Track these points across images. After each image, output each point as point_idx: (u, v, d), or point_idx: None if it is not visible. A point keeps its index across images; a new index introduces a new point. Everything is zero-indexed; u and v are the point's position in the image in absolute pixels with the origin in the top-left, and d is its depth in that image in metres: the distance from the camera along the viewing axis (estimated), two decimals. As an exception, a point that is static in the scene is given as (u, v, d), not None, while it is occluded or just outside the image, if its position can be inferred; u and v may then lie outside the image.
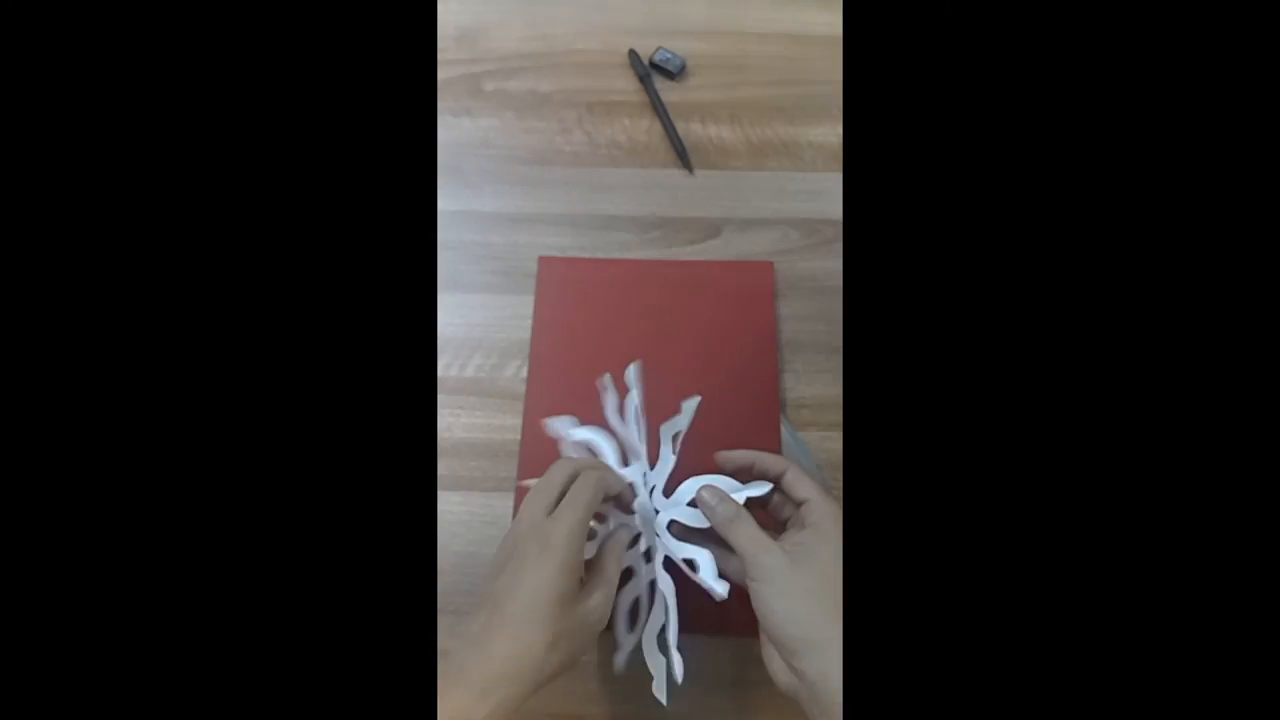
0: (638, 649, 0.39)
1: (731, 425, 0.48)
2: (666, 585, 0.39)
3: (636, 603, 0.40)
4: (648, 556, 0.41)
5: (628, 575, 0.40)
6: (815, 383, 0.51)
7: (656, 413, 0.42)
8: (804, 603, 0.33)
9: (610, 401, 0.43)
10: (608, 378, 0.43)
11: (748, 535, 0.36)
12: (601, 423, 0.44)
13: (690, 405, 0.41)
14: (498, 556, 0.36)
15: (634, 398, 0.42)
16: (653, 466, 0.43)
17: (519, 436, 0.49)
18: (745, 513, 0.37)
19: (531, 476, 0.44)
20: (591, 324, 0.52)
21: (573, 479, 0.37)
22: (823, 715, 0.31)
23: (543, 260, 0.54)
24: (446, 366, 0.51)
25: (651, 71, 0.62)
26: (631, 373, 0.42)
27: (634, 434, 0.42)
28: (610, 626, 0.37)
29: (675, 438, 0.41)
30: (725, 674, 0.43)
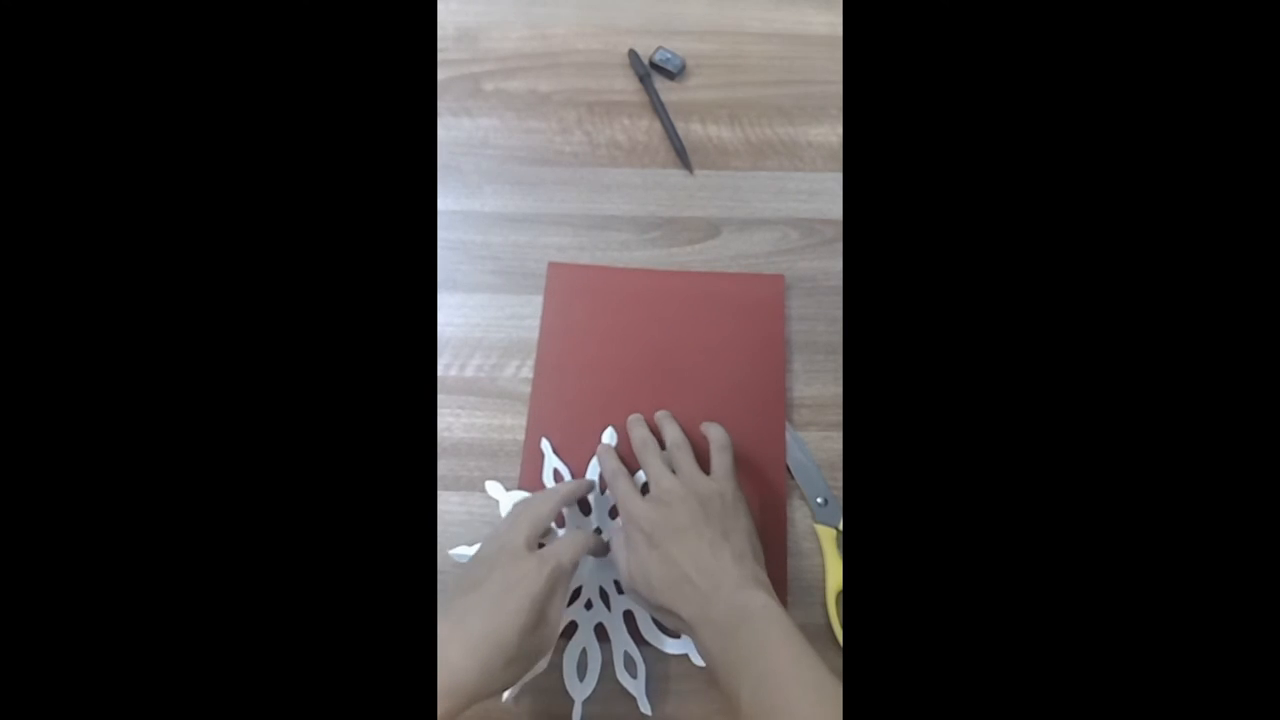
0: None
1: (736, 436, 0.47)
2: (618, 627, 0.43)
3: (583, 654, 0.43)
4: (588, 605, 0.44)
5: (571, 629, 0.43)
6: (815, 383, 0.51)
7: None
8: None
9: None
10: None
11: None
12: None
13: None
14: (481, 556, 0.39)
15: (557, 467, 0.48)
16: (604, 491, 0.47)
17: (518, 437, 0.49)
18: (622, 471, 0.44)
19: (529, 483, 0.48)
20: (599, 333, 0.52)
21: (560, 503, 0.42)
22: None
23: (552, 266, 0.54)
24: (446, 366, 0.51)
25: (651, 71, 0.62)
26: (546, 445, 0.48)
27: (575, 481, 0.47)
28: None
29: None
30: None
